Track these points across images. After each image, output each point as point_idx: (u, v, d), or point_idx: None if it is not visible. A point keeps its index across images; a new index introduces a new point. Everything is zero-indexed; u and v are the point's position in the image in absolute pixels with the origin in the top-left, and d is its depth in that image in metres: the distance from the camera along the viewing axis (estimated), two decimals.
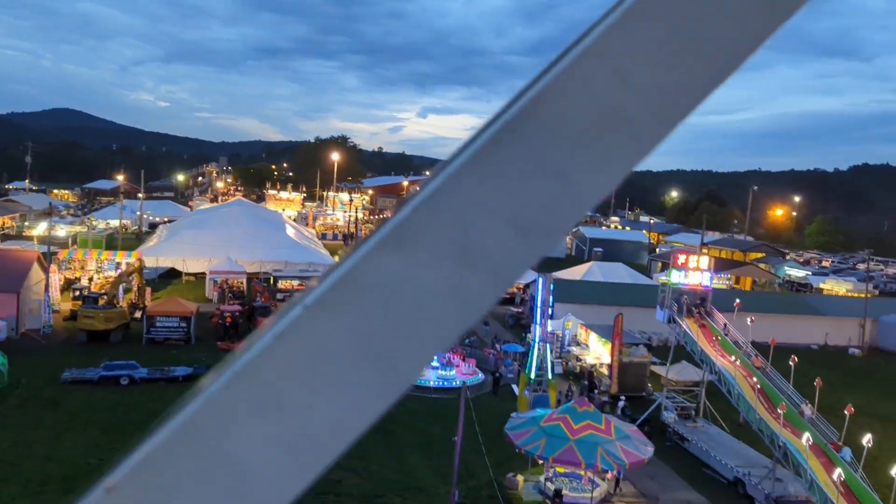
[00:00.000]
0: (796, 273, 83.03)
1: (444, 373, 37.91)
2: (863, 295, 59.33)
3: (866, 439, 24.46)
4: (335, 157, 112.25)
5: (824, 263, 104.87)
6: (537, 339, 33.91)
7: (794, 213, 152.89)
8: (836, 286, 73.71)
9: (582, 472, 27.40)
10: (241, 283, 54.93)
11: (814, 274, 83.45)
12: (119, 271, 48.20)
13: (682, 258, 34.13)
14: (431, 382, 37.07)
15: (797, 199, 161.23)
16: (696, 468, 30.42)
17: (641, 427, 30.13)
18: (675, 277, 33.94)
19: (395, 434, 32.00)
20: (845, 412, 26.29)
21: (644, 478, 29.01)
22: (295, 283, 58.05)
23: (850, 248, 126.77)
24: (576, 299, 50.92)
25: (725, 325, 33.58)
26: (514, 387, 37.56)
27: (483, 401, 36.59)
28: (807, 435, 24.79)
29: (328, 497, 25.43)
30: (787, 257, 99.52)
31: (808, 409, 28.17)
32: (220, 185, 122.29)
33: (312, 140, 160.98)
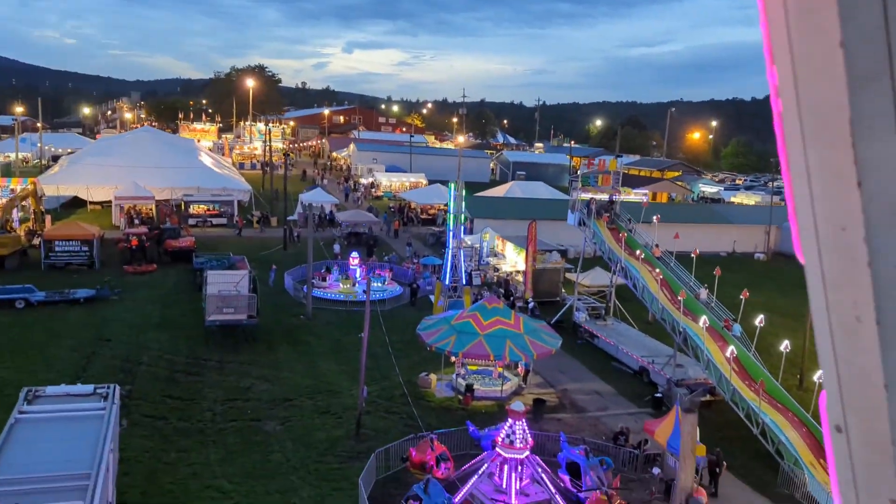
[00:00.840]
0: (710, 189, 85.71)
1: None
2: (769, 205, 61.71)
3: (759, 319, 25.58)
4: (250, 83, 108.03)
5: (738, 182, 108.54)
6: (451, 247, 33.82)
7: (711, 137, 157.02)
8: (745, 199, 76.52)
9: (492, 368, 27.88)
10: (150, 208, 52.72)
11: (726, 189, 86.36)
12: (12, 195, 45.37)
13: (591, 160, 34.30)
14: (355, 297, 36.84)
15: (714, 123, 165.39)
16: (605, 362, 31.42)
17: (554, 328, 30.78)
18: (585, 195, 34.24)
19: (309, 344, 31.81)
20: (741, 296, 27.38)
21: (555, 371, 29.77)
22: (209, 207, 56.24)
23: (763, 169, 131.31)
24: (494, 215, 51.20)
25: (630, 220, 34.22)
26: (432, 297, 37.64)
27: (400, 311, 36.68)
28: (703, 318, 25.74)
29: (236, 402, 25.10)
30: (703, 176, 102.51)
31: (704, 293, 29.28)
32: (128, 115, 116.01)
33: (229, 70, 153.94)
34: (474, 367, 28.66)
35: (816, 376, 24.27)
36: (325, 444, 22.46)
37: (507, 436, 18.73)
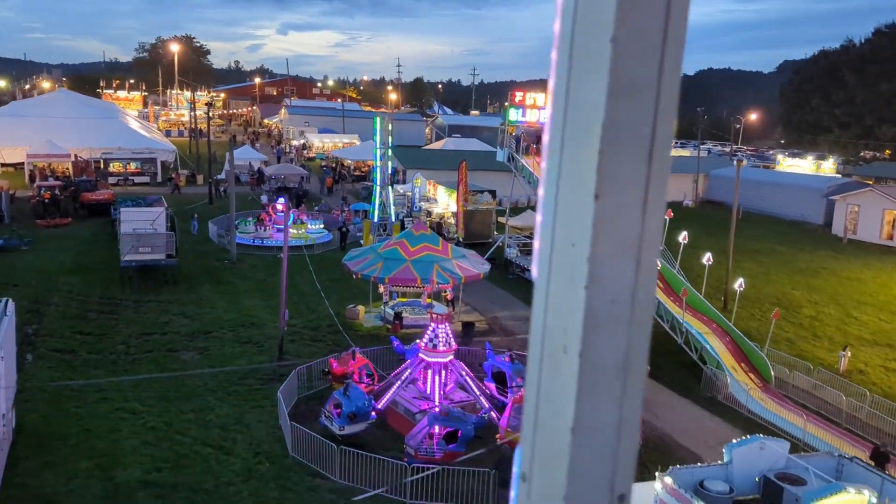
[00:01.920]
0: None
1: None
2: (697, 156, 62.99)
3: (682, 235, 25.88)
4: (175, 48, 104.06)
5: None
6: (378, 182, 33.10)
7: None
8: (677, 152, 78.12)
9: (421, 299, 27.46)
10: (67, 167, 50.16)
11: None
12: None
13: (518, 95, 34.02)
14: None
15: None
16: None
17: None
18: (514, 116, 33.87)
19: (233, 284, 30.76)
20: (680, 240, 27.75)
21: (485, 301, 29.55)
22: (132, 165, 53.91)
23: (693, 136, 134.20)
24: (425, 165, 50.66)
25: None
26: (362, 241, 36.93)
27: (330, 255, 35.88)
28: None
29: (153, 336, 24.01)
30: None
31: None
32: (46, 85, 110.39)
33: (154, 41, 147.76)
34: (403, 300, 28.22)
35: (737, 284, 24.70)
36: (246, 370, 21.69)
37: (430, 339, 18.31)
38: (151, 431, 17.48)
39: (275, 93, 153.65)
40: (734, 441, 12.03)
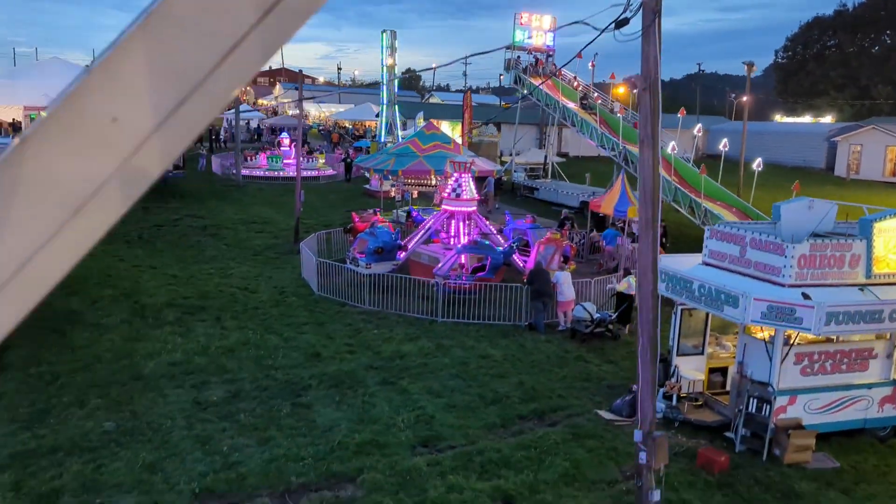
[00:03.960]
0: None
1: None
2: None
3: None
4: None
5: None
6: (385, 103, 32.86)
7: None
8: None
9: (435, 199, 27.23)
10: None
11: None
12: None
13: (524, 16, 33.90)
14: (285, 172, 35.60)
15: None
16: (545, 207, 31.24)
17: (496, 193, 30.71)
18: (520, 36, 33.74)
19: (241, 200, 30.32)
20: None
21: (499, 215, 29.35)
22: None
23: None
24: (428, 114, 50.47)
25: (576, 77, 34.02)
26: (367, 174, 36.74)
27: (336, 185, 35.72)
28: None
29: (164, 227, 23.66)
30: None
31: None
32: None
33: None
34: (417, 207, 27.96)
35: (755, 164, 24.61)
36: (263, 247, 21.40)
37: (454, 189, 18.06)
38: (173, 279, 17.16)
39: (267, 83, 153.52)
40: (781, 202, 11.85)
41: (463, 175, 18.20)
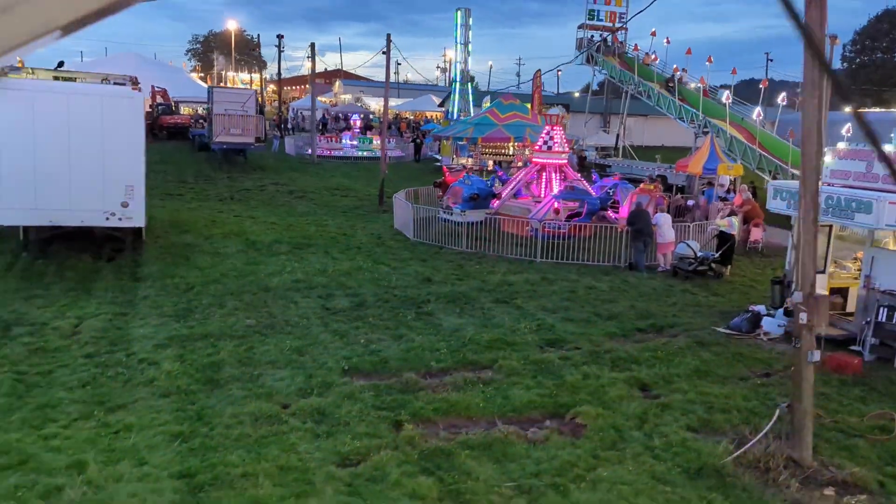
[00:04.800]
0: None
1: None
2: None
3: None
4: (232, 24, 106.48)
5: None
6: (458, 79, 33.27)
7: None
8: None
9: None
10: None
11: None
12: None
13: None
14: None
15: None
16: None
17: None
18: (591, 16, 33.84)
19: (318, 174, 31.07)
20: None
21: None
22: (201, 109, 55.02)
23: None
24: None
25: (648, 54, 33.90)
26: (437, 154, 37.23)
27: (405, 164, 36.27)
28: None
29: (251, 191, 24.42)
30: None
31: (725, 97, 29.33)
32: None
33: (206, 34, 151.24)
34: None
35: None
36: (350, 206, 21.94)
37: (545, 142, 18.28)
38: (273, 225, 17.77)
39: (324, 82, 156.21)
40: None
41: (555, 128, 18.40)
